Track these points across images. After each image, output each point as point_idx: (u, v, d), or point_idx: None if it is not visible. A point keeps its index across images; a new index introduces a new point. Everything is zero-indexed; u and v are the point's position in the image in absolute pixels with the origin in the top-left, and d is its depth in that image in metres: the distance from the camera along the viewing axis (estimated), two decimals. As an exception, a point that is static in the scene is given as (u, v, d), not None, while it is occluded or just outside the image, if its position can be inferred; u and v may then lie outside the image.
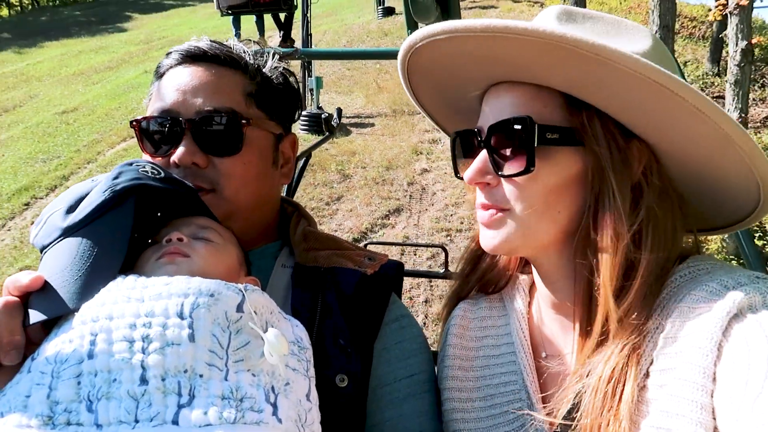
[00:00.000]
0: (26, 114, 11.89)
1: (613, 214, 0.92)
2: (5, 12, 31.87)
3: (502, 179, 0.96)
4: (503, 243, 0.99)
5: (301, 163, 2.35)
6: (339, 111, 2.51)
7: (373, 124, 9.48)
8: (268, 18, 11.29)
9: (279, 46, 9.96)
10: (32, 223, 8.05)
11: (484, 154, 0.98)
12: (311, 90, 9.28)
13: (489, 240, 1.00)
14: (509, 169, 0.95)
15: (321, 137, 2.64)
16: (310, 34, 9.74)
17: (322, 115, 2.56)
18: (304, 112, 8.93)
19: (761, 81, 11.22)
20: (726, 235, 6.47)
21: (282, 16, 9.42)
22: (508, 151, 0.96)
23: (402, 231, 6.67)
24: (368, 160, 8.22)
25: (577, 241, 0.97)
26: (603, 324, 0.91)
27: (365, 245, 2.28)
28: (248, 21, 12.88)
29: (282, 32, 9.40)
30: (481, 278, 1.21)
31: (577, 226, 0.97)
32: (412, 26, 2.16)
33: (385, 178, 7.85)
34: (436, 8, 1.88)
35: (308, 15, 9.40)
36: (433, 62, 1.03)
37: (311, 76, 9.16)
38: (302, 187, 7.36)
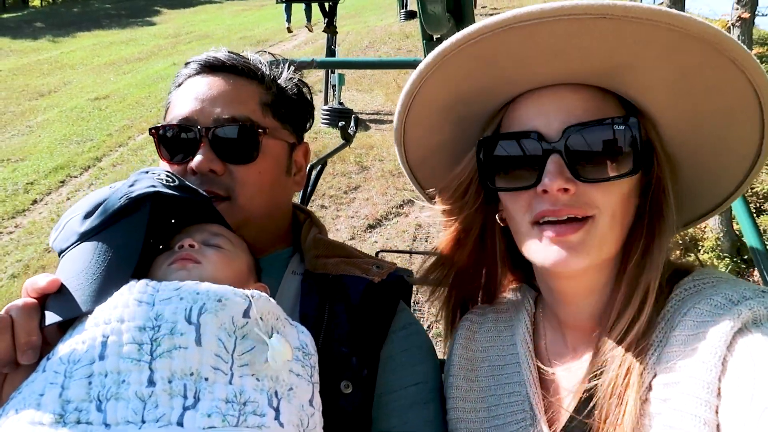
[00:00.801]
0: (61, 99, 12.45)
1: (669, 221, 0.93)
2: (37, 2, 32.76)
3: (580, 184, 0.90)
4: (584, 257, 0.91)
5: (315, 171, 2.38)
6: (356, 119, 2.59)
7: (391, 121, 9.79)
8: (315, 6, 12.15)
9: (323, 31, 10.65)
10: (68, 199, 8.55)
11: (557, 157, 0.90)
12: (333, 86, 9.72)
13: (565, 256, 0.91)
14: (605, 171, 0.90)
15: (337, 146, 2.64)
16: (336, 33, 10.21)
17: (339, 123, 2.66)
18: (325, 107, 9.38)
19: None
20: (721, 234, 6.73)
21: (327, 5, 10.20)
22: (602, 154, 0.90)
23: (414, 220, 7.01)
24: (385, 154, 8.56)
25: (621, 254, 0.96)
26: (624, 332, 0.90)
27: (376, 254, 2.32)
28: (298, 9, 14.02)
29: (326, 19, 10.16)
30: (464, 291, 1.22)
31: (626, 237, 0.96)
32: (427, 37, 2.09)
33: (401, 171, 8.15)
34: (448, 19, 1.84)
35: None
36: (485, 56, 0.92)
37: (334, 73, 9.59)
38: (321, 175, 7.74)
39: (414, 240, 6.51)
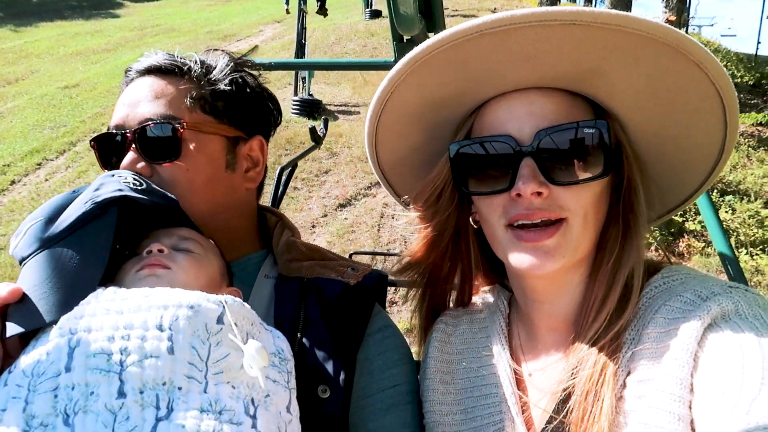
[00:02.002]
0: (29, 87, 12.40)
1: (642, 219, 0.95)
2: (-7, -9, 31.90)
3: (553, 187, 0.92)
4: (559, 260, 0.93)
5: (286, 173, 2.38)
6: (326, 121, 2.77)
7: (358, 112, 10.28)
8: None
9: (316, 12, 11.11)
10: (46, 180, 8.77)
11: (530, 161, 0.91)
12: (303, 78, 10.23)
13: (541, 260, 0.93)
14: (577, 173, 0.92)
15: (307, 148, 2.66)
16: (305, 28, 10.76)
17: (309, 126, 2.90)
18: (295, 98, 9.89)
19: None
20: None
21: None
22: (574, 156, 0.92)
23: (382, 200, 7.53)
24: (353, 141, 9.01)
25: (595, 253, 0.98)
26: (601, 331, 0.91)
27: (350, 255, 2.31)
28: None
29: (319, 2, 10.84)
30: (438, 293, 1.22)
31: (600, 237, 0.98)
32: (397, 38, 2.06)
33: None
34: (420, 20, 1.85)
35: (303, 11, 10.53)
36: (456, 61, 0.92)
37: (304, 66, 10.10)
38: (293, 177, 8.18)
39: (381, 217, 6.98)
